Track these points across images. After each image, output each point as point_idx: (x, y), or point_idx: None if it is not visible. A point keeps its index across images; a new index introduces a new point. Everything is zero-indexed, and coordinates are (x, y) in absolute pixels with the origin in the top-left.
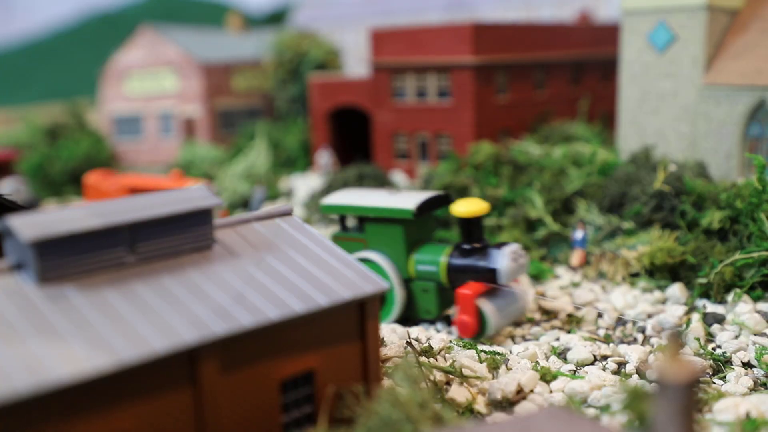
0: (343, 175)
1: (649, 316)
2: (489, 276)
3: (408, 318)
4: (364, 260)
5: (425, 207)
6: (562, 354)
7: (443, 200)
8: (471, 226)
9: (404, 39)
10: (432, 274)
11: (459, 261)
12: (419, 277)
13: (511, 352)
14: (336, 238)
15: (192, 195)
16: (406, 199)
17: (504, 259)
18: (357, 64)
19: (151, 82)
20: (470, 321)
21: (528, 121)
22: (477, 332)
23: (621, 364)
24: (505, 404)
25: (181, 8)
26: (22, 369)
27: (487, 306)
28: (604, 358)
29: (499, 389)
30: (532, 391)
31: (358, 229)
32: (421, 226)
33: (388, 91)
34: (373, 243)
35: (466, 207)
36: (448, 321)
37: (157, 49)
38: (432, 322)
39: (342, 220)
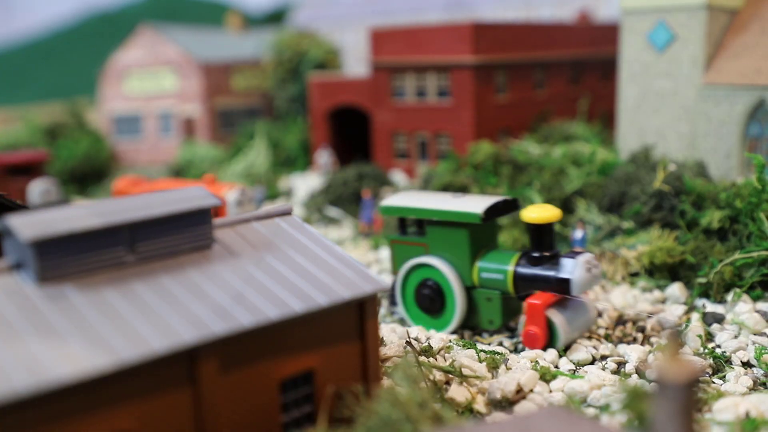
0: (343, 174)
1: (649, 315)
2: (560, 286)
3: (468, 328)
4: (424, 266)
5: (493, 211)
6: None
7: (510, 205)
8: (542, 233)
9: (404, 39)
10: (497, 282)
11: (528, 270)
12: (483, 285)
13: (510, 351)
14: (393, 242)
15: (191, 195)
16: (472, 202)
17: (578, 269)
18: (357, 64)
19: (151, 82)
20: (539, 333)
21: (528, 120)
22: (546, 345)
23: (621, 364)
24: (505, 404)
25: (181, 8)
26: (21, 369)
27: (557, 317)
28: (604, 357)
29: (499, 389)
30: (531, 390)
31: (417, 233)
32: (485, 232)
33: (388, 90)
34: (434, 248)
35: (537, 213)
36: (511, 332)
37: (156, 48)
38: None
39: (401, 223)
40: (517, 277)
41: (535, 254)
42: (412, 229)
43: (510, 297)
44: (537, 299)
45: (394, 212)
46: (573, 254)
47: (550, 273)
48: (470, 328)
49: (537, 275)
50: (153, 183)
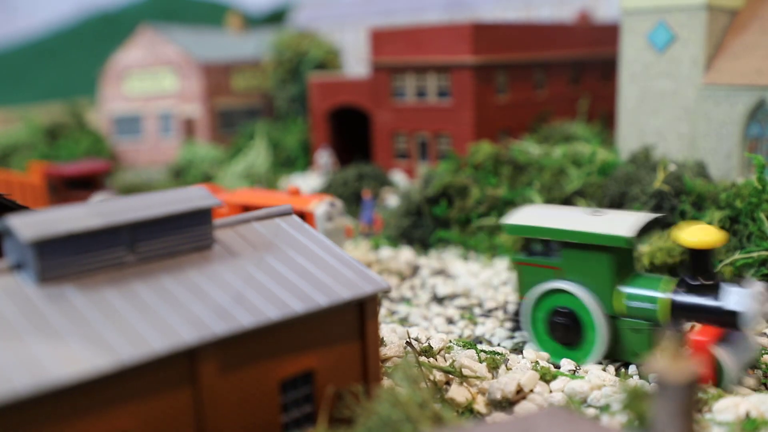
0: (343, 174)
1: None
2: (726, 319)
3: (610, 360)
4: (559, 291)
5: (642, 232)
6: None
7: (655, 221)
8: (702, 258)
9: (404, 39)
10: (647, 311)
11: (688, 299)
12: (629, 315)
13: (511, 351)
14: (519, 264)
15: (192, 195)
16: (616, 221)
17: (749, 300)
18: (357, 64)
19: (151, 82)
20: (705, 373)
21: (528, 121)
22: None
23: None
24: (505, 404)
25: (181, 8)
26: (21, 369)
27: (724, 355)
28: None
29: (499, 389)
30: (531, 391)
31: (545, 253)
32: (628, 254)
33: (388, 90)
34: (571, 272)
35: (698, 235)
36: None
37: (156, 48)
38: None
39: (528, 242)
40: (676, 307)
41: (694, 282)
42: (537, 248)
43: (659, 328)
44: (703, 335)
45: (524, 232)
46: (738, 283)
47: (716, 304)
48: (612, 360)
49: (699, 305)
50: (233, 194)
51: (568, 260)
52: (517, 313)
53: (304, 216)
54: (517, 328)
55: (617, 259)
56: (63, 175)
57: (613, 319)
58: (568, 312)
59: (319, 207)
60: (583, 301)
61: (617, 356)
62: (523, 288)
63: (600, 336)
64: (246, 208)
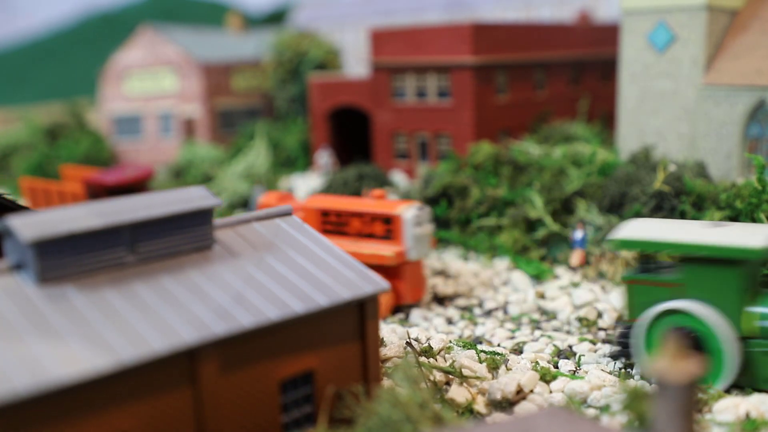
0: (343, 175)
1: None
2: None
3: (740, 386)
4: (679, 312)
5: None
6: (562, 354)
7: None
8: None
9: (404, 39)
10: None
11: None
12: (763, 336)
13: (510, 352)
14: (630, 282)
15: (192, 195)
16: (744, 233)
17: None
18: (357, 64)
19: (151, 82)
20: None
21: (528, 121)
22: None
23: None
24: (505, 404)
25: (180, 8)
26: (21, 369)
27: None
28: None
29: (499, 389)
30: (531, 391)
31: (657, 271)
32: (758, 270)
33: (388, 91)
34: (693, 290)
35: None
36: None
37: (156, 49)
38: None
39: (642, 257)
40: None
41: None
42: (649, 264)
43: None
44: None
45: (637, 246)
46: None
47: None
48: (737, 386)
49: None
50: (310, 200)
51: (690, 277)
52: (623, 336)
53: (392, 220)
54: (622, 353)
55: (747, 275)
56: (104, 184)
57: (741, 341)
58: (690, 335)
59: (409, 211)
60: (710, 324)
61: (744, 383)
62: (634, 309)
63: (730, 361)
64: (324, 214)
